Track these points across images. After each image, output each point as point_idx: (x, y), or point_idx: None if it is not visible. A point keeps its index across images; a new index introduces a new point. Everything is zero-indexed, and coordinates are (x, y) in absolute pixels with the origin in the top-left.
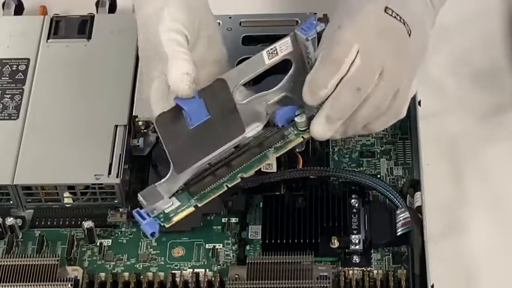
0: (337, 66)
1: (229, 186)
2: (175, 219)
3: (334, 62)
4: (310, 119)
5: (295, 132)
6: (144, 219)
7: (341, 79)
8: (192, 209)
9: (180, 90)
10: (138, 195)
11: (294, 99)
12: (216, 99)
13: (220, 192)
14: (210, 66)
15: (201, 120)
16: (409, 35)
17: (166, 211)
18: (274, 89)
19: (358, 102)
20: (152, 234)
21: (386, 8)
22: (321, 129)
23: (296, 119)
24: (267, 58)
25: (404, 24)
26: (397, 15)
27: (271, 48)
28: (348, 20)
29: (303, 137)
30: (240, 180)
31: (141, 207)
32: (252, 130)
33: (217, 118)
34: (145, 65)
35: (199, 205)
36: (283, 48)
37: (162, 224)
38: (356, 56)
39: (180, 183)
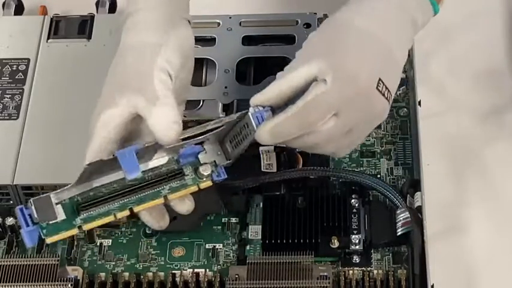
0: (307, 127)
1: (117, 215)
2: (57, 237)
3: (308, 124)
4: (212, 172)
5: (193, 177)
6: (27, 224)
7: None
8: (75, 230)
9: (168, 139)
10: (31, 201)
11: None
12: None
13: (107, 219)
14: None
15: (135, 175)
16: (389, 101)
17: (50, 222)
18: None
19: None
20: (29, 247)
21: (379, 82)
22: (265, 135)
23: (200, 168)
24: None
25: (389, 100)
26: (386, 88)
27: (218, 119)
28: (338, 85)
29: (198, 186)
30: (128, 212)
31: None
32: (155, 160)
33: None
34: (113, 88)
35: (84, 228)
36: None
37: (43, 237)
38: (330, 118)
39: (72, 193)
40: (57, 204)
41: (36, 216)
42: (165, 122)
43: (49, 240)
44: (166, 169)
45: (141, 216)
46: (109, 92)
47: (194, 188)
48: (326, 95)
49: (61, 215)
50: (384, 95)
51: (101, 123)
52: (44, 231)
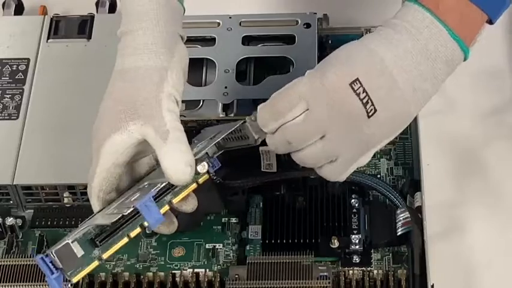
0: (277, 115)
1: (130, 235)
2: (80, 275)
3: (277, 112)
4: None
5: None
6: (52, 272)
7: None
8: (96, 262)
9: (181, 183)
10: (52, 253)
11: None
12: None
13: (123, 242)
14: None
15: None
16: (370, 115)
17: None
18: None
19: (288, 151)
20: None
21: (355, 81)
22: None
23: (198, 167)
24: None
25: (366, 104)
26: (364, 91)
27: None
28: (312, 77)
29: (197, 182)
30: (140, 229)
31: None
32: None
33: None
34: (120, 113)
35: (104, 257)
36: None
37: (68, 279)
38: (302, 113)
39: (85, 229)
40: (72, 242)
41: (61, 267)
42: (179, 165)
43: (75, 279)
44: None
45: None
46: (113, 115)
47: (194, 186)
48: (297, 83)
49: (79, 251)
50: (358, 95)
51: (109, 148)
52: (68, 273)
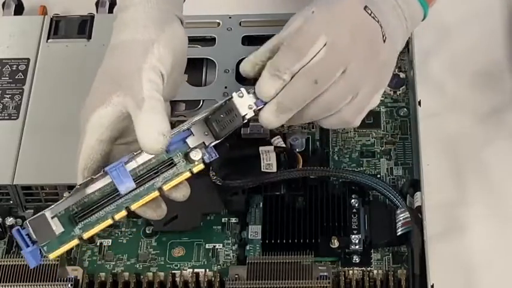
0: (299, 55)
1: (115, 217)
2: (58, 252)
3: (297, 50)
4: (202, 155)
5: (185, 163)
6: (27, 245)
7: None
8: (76, 241)
9: (154, 152)
10: (27, 223)
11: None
12: None
13: (106, 223)
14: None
15: (129, 189)
16: (384, 39)
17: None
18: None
19: (313, 95)
20: (33, 267)
21: (366, 6)
22: (270, 116)
23: (191, 154)
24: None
25: (381, 27)
26: (375, 16)
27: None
28: (324, 10)
29: (191, 171)
30: (125, 212)
31: (22, 226)
32: (144, 155)
33: None
34: (104, 86)
35: (84, 236)
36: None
37: (44, 254)
38: (322, 48)
39: (66, 205)
40: (53, 218)
41: (34, 237)
42: (151, 133)
43: (52, 255)
44: (156, 160)
45: (138, 212)
46: (100, 90)
47: (187, 174)
48: (312, 19)
49: (59, 228)
50: (374, 17)
51: (94, 123)
52: (45, 248)
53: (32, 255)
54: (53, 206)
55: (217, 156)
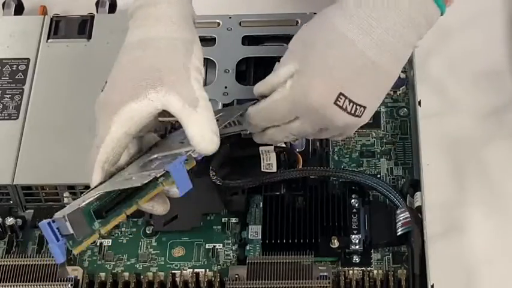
0: (274, 122)
1: (127, 212)
2: (82, 247)
3: (273, 120)
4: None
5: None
6: (57, 239)
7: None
8: (96, 235)
9: (208, 152)
10: (66, 216)
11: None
12: None
13: (120, 218)
14: None
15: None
16: (360, 115)
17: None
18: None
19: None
20: (61, 262)
21: (339, 97)
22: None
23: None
24: None
25: (355, 113)
26: (350, 102)
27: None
28: (294, 87)
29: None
30: (136, 207)
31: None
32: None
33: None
34: (138, 81)
35: (102, 231)
36: None
37: (70, 249)
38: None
39: (88, 200)
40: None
41: (72, 232)
42: (207, 134)
43: (76, 251)
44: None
45: (146, 207)
46: (132, 83)
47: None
48: (283, 101)
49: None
50: (345, 109)
51: (124, 116)
52: (71, 242)
53: (60, 250)
54: (78, 201)
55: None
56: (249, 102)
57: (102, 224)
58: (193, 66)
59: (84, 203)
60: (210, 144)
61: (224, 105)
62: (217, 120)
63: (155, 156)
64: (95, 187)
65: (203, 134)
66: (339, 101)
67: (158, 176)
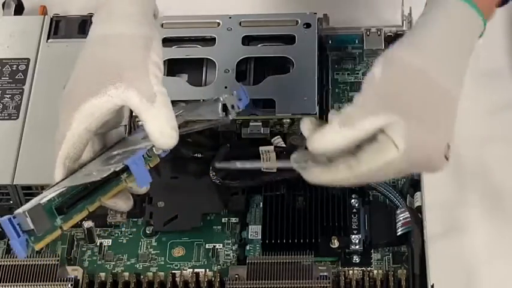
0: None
1: (89, 209)
2: (43, 243)
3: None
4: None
5: (145, 157)
6: (18, 235)
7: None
8: (58, 231)
9: (167, 147)
10: (26, 212)
11: None
12: None
13: (82, 215)
14: None
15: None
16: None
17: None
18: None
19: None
20: (23, 256)
21: (447, 146)
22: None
23: (154, 148)
24: None
25: (448, 158)
26: (449, 148)
27: None
28: (408, 151)
29: (149, 165)
30: (99, 203)
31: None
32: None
33: None
34: (98, 77)
35: (64, 228)
36: None
37: (31, 245)
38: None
39: (50, 196)
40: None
41: (32, 227)
42: (166, 129)
43: (37, 247)
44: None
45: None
46: (92, 79)
47: (146, 167)
48: (396, 162)
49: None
50: (447, 157)
51: (84, 112)
52: (32, 238)
53: (21, 246)
54: (39, 197)
55: (170, 151)
56: (209, 100)
57: (64, 220)
58: (151, 61)
59: (45, 199)
60: (169, 139)
61: (224, 106)
62: (178, 116)
63: (116, 152)
64: (57, 183)
65: (162, 129)
66: (446, 152)
67: (117, 170)
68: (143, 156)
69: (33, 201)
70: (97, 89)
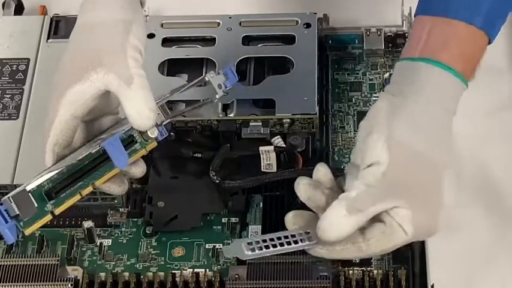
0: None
1: (82, 193)
2: (33, 227)
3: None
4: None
5: (141, 141)
6: (6, 221)
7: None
8: (49, 216)
9: (144, 129)
10: (9, 198)
11: None
12: None
13: (74, 199)
14: None
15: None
16: None
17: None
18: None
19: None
20: (12, 244)
21: None
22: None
23: (148, 132)
24: None
25: None
26: None
27: None
28: (416, 235)
29: (146, 149)
30: (92, 188)
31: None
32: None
33: None
34: (81, 63)
35: (56, 212)
36: None
37: (21, 230)
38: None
39: (40, 181)
40: (29, 191)
41: (18, 212)
42: (143, 110)
43: (27, 231)
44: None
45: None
46: (76, 66)
47: (143, 152)
48: (403, 243)
49: (35, 203)
50: None
51: (69, 98)
52: (21, 223)
53: (10, 232)
54: (28, 183)
55: (167, 134)
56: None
57: (55, 205)
58: (130, 45)
59: (33, 185)
60: (147, 120)
61: (224, 106)
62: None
63: (102, 136)
64: (46, 169)
65: (139, 111)
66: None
67: (93, 152)
68: (121, 137)
69: (21, 187)
70: (80, 75)
